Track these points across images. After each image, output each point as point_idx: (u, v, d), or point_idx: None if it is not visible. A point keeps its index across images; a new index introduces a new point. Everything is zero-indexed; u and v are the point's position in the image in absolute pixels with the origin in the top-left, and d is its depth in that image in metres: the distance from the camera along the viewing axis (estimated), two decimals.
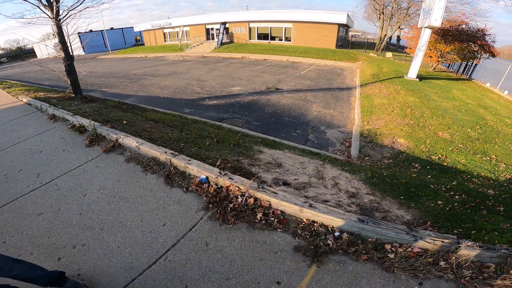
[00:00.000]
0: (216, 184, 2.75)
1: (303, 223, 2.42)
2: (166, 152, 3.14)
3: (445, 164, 4.91)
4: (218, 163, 3.01)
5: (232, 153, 3.91)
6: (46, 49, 40.83)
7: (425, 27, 11.68)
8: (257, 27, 29.53)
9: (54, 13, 6.27)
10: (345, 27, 30.32)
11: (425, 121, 6.85)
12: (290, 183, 3.38)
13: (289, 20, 26.75)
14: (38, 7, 6.23)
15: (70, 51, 6.93)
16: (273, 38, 29.26)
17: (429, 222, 2.53)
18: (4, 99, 7.98)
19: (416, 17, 24.88)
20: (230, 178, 2.72)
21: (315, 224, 2.40)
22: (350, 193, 3.28)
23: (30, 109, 6.49)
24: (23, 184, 3.25)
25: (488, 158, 5.23)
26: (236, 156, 3.83)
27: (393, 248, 2.11)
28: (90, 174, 3.33)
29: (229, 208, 2.51)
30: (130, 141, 3.49)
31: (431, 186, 3.67)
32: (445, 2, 10.76)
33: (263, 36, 29.76)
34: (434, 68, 16.98)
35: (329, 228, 2.33)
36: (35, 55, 45.70)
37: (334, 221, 2.33)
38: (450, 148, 5.49)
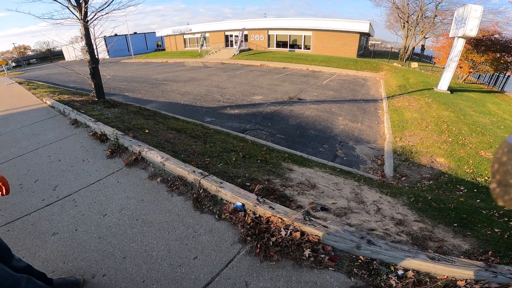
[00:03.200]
0: (254, 213, 2.42)
1: (360, 261, 2.07)
2: (194, 172, 2.86)
3: None
4: (256, 190, 2.68)
5: (261, 171, 3.59)
6: (74, 52, 42.55)
7: (459, 37, 11.03)
8: (276, 35, 29.48)
9: (82, 14, 6.27)
10: (366, 35, 29.74)
11: (465, 139, 6.28)
12: (329, 208, 3.03)
13: (309, 28, 26.50)
14: (67, 7, 6.25)
15: (96, 54, 6.93)
16: (292, 46, 29.06)
17: (490, 252, 2.29)
18: (29, 101, 8.10)
19: (442, 26, 24.00)
20: (270, 207, 2.39)
21: (374, 262, 2.05)
22: (397, 220, 2.96)
23: (53, 112, 6.47)
24: (39, 197, 3.02)
25: None
26: (266, 175, 3.51)
27: (468, 285, 1.85)
28: (111, 191, 3.07)
29: (271, 243, 2.18)
30: (154, 156, 3.25)
31: (483, 211, 3.32)
32: (481, 11, 10.14)
33: (282, 44, 29.63)
34: (464, 80, 16.12)
35: (391, 266, 2.00)
36: (63, 57, 47.66)
37: (398, 259, 2.02)
38: None
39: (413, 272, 1.95)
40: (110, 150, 3.87)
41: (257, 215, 2.42)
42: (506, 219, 3.13)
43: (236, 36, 30.13)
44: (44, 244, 2.35)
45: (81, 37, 6.83)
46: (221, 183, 2.69)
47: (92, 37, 6.64)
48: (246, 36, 30.72)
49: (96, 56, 6.95)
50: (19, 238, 2.42)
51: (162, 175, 3.17)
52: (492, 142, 6.13)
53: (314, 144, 6.03)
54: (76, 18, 6.39)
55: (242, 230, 2.35)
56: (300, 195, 3.20)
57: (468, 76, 15.90)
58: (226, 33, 32.66)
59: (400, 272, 1.96)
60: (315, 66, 19.82)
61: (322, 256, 2.09)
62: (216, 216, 2.53)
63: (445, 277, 1.92)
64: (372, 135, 6.87)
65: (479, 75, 16.40)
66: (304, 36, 27.56)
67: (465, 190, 4.21)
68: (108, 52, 38.74)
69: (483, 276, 1.88)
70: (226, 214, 2.50)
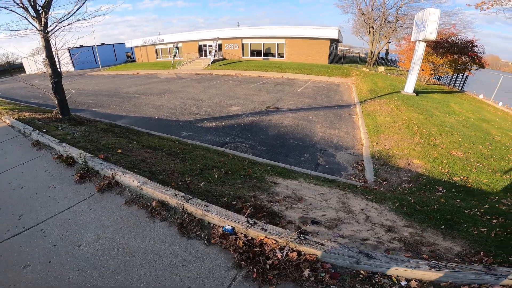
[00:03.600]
0: (246, 236, 2.28)
1: (361, 276, 2.01)
2: (176, 195, 2.65)
3: (469, 185, 4.65)
4: (247, 214, 2.54)
5: (246, 188, 3.46)
6: (36, 65, 39.77)
7: (420, 41, 11.65)
8: (250, 44, 29.79)
9: (42, 25, 5.82)
10: (336, 42, 31.00)
11: (435, 139, 6.61)
12: (319, 221, 2.98)
13: (281, 36, 27.09)
14: (26, 18, 5.77)
15: (58, 67, 6.44)
16: (266, 55, 29.49)
17: (482, 252, 2.36)
18: None
19: (403, 30, 25.60)
20: (262, 228, 2.26)
21: (376, 276, 2.01)
22: (387, 227, 2.99)
23: (13, 133, 5.87)
24: (3, 227, 2.72)
25: (508, 176, 4.99)
26: (251, 191, 3.38)
27: None
28: (84, 219, 2.78)
29: (267, 266, 2.05)
30: (130, 179, 2.99)
31: (465, 211, 3.48)
32: (439, 15, 10.82)
33: (256, 53, 29.97)
34: (427, 82, 17.18)
35: (393, 278, 1.99)
36: (24, 71, 44.33)
37: (399, 270, 2.00)
38: (469, 168, 5.22)
39: (416, 281, 1.94)
40: (78, 174, 3.53)
41: (249, 238, 2.28)
42: (488, 217, 3.28)
43: (210, 45, 29.99)
44: (17, 277, 2.11)
45: (42, 49, 6.35)
46: (206, 206, 2.51)
47: (53, 49, 6.17)
48: (220, 45, 30.69)
49: (59, 70, 6.46)
50: None
51: (141, 200, 2.92)
52: (461, 141, 6.51)
53: (295, 154, 6.02)
54: (35, 29, 5.92)
55: (235, 255, 2.20)
56: (288, 209, 3.11)
57: (429, 78, 16.96)
58: (200, 43, 32.42)
59: (403, 283, 1.94)
60: (290, 74, 20.22)
61: (322, 274, 2.01)
62: (205, 241, 2.36)
63: (448, 283, 1.93)
64: (350, 141, 7.02)
65: (440, 76, 17.57)
66: (278, 44, 28.13)
67: (444, 191, 4.37)
68: (73, 64, 36.72)
69: (485, 279, 1.91)
70: (215, 239, 2.34)
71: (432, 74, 15.98)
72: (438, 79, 18.62)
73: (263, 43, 29.11)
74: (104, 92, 15.53)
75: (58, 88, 6.49)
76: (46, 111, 8.21)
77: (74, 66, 37.33)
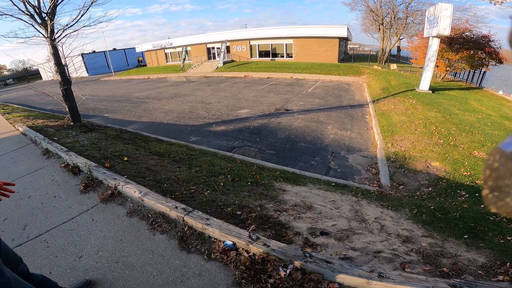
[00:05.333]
0: (247, 252, 2.13)
1: None
2: (176, 208, 2.53)
3: None
4: (250, 230, 2.38)
5: (252, 196, 3.30)
6: (51, 71, 41.00)
7: (433, 37, 11.20)
8: (258, 45, 29.65)
9: (48, 32, 5.83)
10: (345, 40, 30.40)
11: (455, 139, 6.23)
12: (329, 232, 2.78)
13: (289, 36, 26.79)
14: (32, 25, 5.79)
15: (67, 74, 6.47)
16: (274, 55, 29.26)
17: (508, 264, 2.19)
18: (1, 127, 7.51)
19: (414, 27, 24.81)
20: (265, 244, 2.10)
21: None
22: (403, 238, 2.76)
23: (25, 141, 5.97)
24: (8, 237, 2.72)
25: None
26: (258, 199, 3.22)
27: None
28: (86, 230, 2.74)
29: (269, 285, 1.89)
30: (132, 190, 2.90)
31: (490, 218, 3.19)
32: (451, 10, 10.38)
33: (264, 54, 29.81)
34: (443, 78, 16.53)
35: None
36: (40, 77, 45.68)
37: None
38: None
39: None
40: (83, 184, 3.49)
41: (251, 254, 2.13)
42: None
43: (218, 48, 30.03)
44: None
45: (50, 56, 6.39)
46: (207, 219, 2.37)
47: (61, 55, 6.20)
48: (228, 47, 30.70)
49: (68, 77, 6.49)
50: None
51: (142, 211, 2.82)
52: (483, 141, 6.11)
53: (305, 158, 5.80)
54: (42, 36, 5.95)
55: (236, 272, 2.05)
56: (296, 219, 2.93)
57: (445, 74, 16.31)
58: (208, 45, 32.54)
59: None
60: (299, 74, 19.93)
61: None
62: (205, 256, 2.23)
63: None
64: (363, 143, 6.73)
65: (456, 72, 16.89)
66: (286, 44, 27.85)
67: (467, 195, 4.06)
68: (87, 70, 37.43)
69: None
70: (216, 254, 2.20)
71: (448, 70, 15.37)
72: (454, 76, 17.89)
73: (271, 44, 28.90)
74: (116, 97, 15.79)
75: (68, 95, 6.53)
76: (59, 118, 8.36)
77: (88, 72, 38.12)
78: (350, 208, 3.44)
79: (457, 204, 3.82)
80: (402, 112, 8.74)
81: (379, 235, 2.90)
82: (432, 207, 3.58)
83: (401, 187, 4.65)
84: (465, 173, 4.76)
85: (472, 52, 13.74)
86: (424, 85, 12.21)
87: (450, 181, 4.58)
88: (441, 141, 6.15)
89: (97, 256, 2.37)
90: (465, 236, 2.74)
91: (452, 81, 17.17)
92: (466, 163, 5.09)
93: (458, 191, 4.24)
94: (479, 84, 15.58)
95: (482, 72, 15.34)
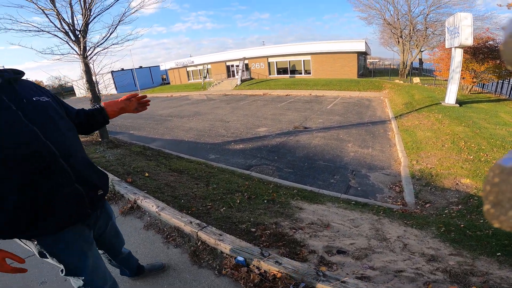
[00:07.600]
0: (259, 269, 2.09)
1: None
2: (191, 223, 2.56)
3: None
4: (263, 245, 2.36)
5: (268, 214, 3.26)
6: (83, 88, 43.45)
7: (456, 47, 10.76)
8: (276, 62, 30.07)
9: (81, 49, 6.15)
10: (364, 54, 30.13)
11: (487, 155, 5.83)
12: (346, 251, 2.66)
13: (307, 52, 26.87)
14: (67, 42, 6.13)
15: (97, 91, 6.78)
16: (292, 72, 29.50)
17: None
18: None
19: (435, 38, 24.09)
20: (276, 262, 2.05)
21: None
22: (429, 256, 2.60)
23: None
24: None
25: None
26: (273, 217, 3.17)
27: None
28: None
29: None
30: (150, 205, 2.98)
31: None
32: (471, 19, 10.00)
33: (282, 71, 30.15)
34: (470, 91, 15.73)
35: None
36: (74, 94, 47.99)
37: None
38: None
39: None
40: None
41: (262, 271, 2.08)
42: None
43: (237, 65, 30.63)
44: None
45: (82, 74, 6.70)
46: (220, 235, 2.37)
47: (92, 72, 6.53)
48: (246, 65, 31.37)
49: (98, 94, 6.87)
50: (7, 284, 2.28)
51: (158, 225, 2.87)
52: None
53: (324, 176, 5.66)
54: (76, 53, 6.28)
55: None
56: (312, 238, 2.83)
57: (472, 86, 15.51)
58: (227, 63, 33.41)
59: None
60: (318, 91, 19.91)
61: None
62: (216, 272, 2.22)
63: None
64: (386, 160, 6.48)
65: (483, 84, 16.03)
66: (303, 60, 28.00)
67: None
68: (116, 87, 39.15)
69: None
70: (227, 270, 2.18)
71: (475, 82, 14.61)
72: (482, 87, 16.97)
73: (289, 61, 29.21)
74: (141, 115, 16.56)
75: None
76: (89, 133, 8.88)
77: (116, 89, 39.83)
78: (370, 227, 3.28)
79: (489, 223, 3.52)
80: (427, 127, 8.38)
81: (401, 254, 2.73)
82: (462, 225, 3.35)
83: (427, 205, 4.38)
84: None
85: (498, 61, 13.05)
86: (450, 98, 11.70)
87: (481, 198, 4.25)
88: (471, 157, 5.77)
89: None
90: (498, 254, 2.57)
91: (480, 93, 16.30)
92: None
93: None
94: (509, 95, 14.65)
95: (511, 83, 14.46)
